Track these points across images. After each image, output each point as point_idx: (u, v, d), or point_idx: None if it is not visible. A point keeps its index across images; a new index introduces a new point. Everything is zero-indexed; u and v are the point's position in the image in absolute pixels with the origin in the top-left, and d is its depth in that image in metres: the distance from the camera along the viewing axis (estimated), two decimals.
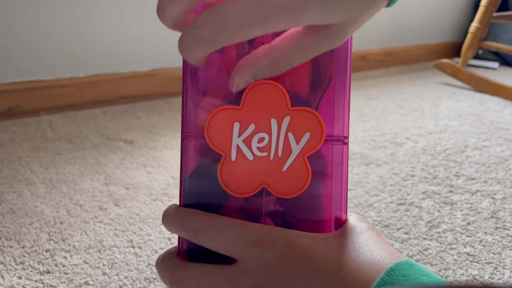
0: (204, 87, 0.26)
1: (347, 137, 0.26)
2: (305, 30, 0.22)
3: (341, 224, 0.26)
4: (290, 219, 0.26)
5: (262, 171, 0.25)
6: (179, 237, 0.27)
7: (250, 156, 0.25)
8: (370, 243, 0.24)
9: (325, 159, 0.26)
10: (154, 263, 0.46)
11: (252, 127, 0.25)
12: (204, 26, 0.20)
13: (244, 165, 0.25)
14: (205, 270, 0.25)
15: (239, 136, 0.25)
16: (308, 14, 0.19)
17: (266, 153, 0.25)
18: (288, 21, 0.20)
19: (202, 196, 0.26)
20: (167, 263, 0.26)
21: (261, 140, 0.25)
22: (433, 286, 0.18)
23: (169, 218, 0.26)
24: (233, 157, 0.25)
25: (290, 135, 0.25)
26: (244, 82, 0.24)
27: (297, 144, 0.25)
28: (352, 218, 0.27)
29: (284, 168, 0.25)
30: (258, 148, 0.25)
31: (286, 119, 0.25)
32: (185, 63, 0.26)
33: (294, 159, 0.25)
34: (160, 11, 0.21)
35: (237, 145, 0.25)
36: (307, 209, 0.26)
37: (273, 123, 0.25)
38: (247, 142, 0.25)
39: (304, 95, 0.26)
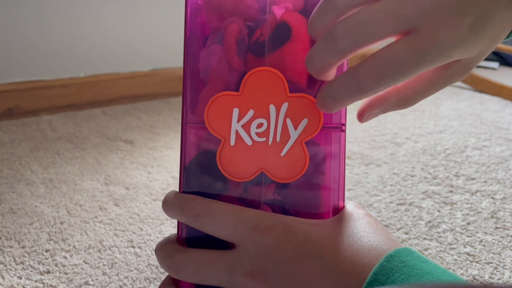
0: (205, 77, 0.26)
1: (344, 124, 0.26)
2: (435, 68, 0.23)
3: (338, 211, 0.27)
4: (289, 208, 0.27)
5: (260, 156, 0.26)
6: (178, 223, 0.27)
7: (248, 141, 0.26)
8: (367, 229, 0.24)
9: (323, 146, 0.26)
10: (155, 263, 0.46)
11: (251, 112, 0.25)
12: (366, 75, 0.21)
13: (242, 150, 0.26)
14: (203, 255, 0.25)
15: (238, 122, 0.25)
16: (457, 52, 0.21)
17: (264, 138, 0.26)
18: (440, 62, 0.21)
19: (201, 184, 0.27)
20: (166, 249, 0.26)
21: (259, 125, 0.25)
22: (432, 286, 0.18)
23: (169, 203, 0.27)
24: (232, 142, 0.26)
25: (288, 120, 0.25)
26: (373, 115, 0.26)
27: (295, 129, 0.25)
28: (350, 205, 0.27)
29: (282, 153, 0.26)
30: (256, 133, 0.26)
31: (285, 105, 0.25)
32: (186, 53, 0.26)
33: (292, 145, 0.25)
34: (310, 62, 0.23)
35: (236, 130, 0.26)
36: (305, 197, 0.26)
37: (272, 109, 0.25)
38: (246, 127, 0.26)
39: (303, 85, 0.26)
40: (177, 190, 0.28)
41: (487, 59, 1.77)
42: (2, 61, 0.90)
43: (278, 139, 0.25)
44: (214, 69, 0.26)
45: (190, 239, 0.27)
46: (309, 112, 0.25)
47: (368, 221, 0.25)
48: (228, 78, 0.26)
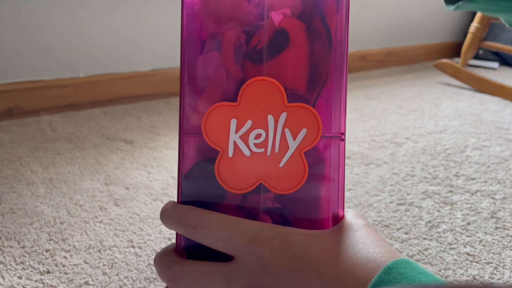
0: (202, 84, 0.26)
1: (344, 134, 0.26)
2: None
3: (338, 220, 0.26)
4: (288, 216, 0.26)
5: (259, 167, 0.25)
6: (177, 234, 0.27)
7: (247, 152, 0.25)
8: (366, 240, 0.24)
9: (322, 156, 0.26)
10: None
11: (249, 123, 0.25)
12: None
13: (241, 161, 0.25)
14: (201, 267, 0.25)
15: (236, 133, 0.25)
16: None
17: (263, 149, 0.25)
18: None
19: (199, 193, 0.27)
20: (165, 260, 0.26)
21: (258, 136, 0.25)
22: (432, 286, 0.18)
23: (167, 214, 0.27)
24: (230, 153, 0.25)
25: (286, 131, 0.25)
26: None
27: (294, 140, 0.25)
28: (349, 215, 0.27)
29: (281, 164, 0.25)
30: (255, 144, 0.25)
31: (283, 115, 0.25)
32: (182, 59, 0.26)
33: (291, 155, 0.25)
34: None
35: (234, 141, 0.25)
36: (304, 206, 0.26)
37: (270, 119, 0.25)
38: (244, 138, 0.25)
39: (302, 92, 0.26)
40: (176, 192, 0.28)
41: (487, 59, 1.77)
42: (2, 61, 0.90)
43: (276, 150, 0.25)
44: (211, 77, 0.26)
45: (188, 250, 0.27)
46: (308, 122, 0.25)
47: (367, 232, 0.25)
48: (226, 85, 0.26)
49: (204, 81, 0.26)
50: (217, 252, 0.25)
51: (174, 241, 0.51)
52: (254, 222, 0.25)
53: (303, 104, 0.25)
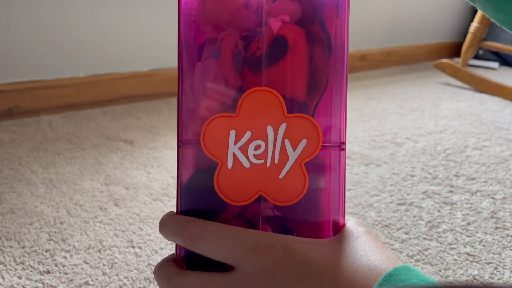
0: (200, 93, 0.26)
1: (344, 143, 0.26)
2: None
3: (339, 228, 0.26)
4: (288, 224, 0.26)
5: (258, 178, 0.25)
6: (176, 244, 0.27)
7: (246, 164, 0.25)
8: (367, 248, 0.24)
9: (323, 165, 0.26)
10: (154, 263, 0.46)
11: (248, 134, 0.25)
12: None
13: (240, 172, 0.25)
14: (202, 278, 0.25)
15: (235, 144, 0.25)
16: None
17: (262, 161, 0.25)
18: None
19: (199, 203, 0.26)
20: (165, 271, 0.26)
21: (257, 147, 0.25)
22: (432, 286, 0.18)
23: (166, 226, 0.26)
24: (230, 165, 0.25)
25: (286, 142, 0.25)
26: None
27: (294, 151, 0.25)
28: (350, 223, 0.27)
29: (281, 176, 0.25)
30: (254, 155, 0.25)
31: (283, 126, 0.25)
32: (180, 68, 0.26)
33: (291, 166, 0.25)
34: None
35: (234, 152, 0.25)
36: (305, 214, 0.26)
37: (269, 130, 0.25)
38: (244, 149, 0.25)
39: (302, 99, 0.25)
40: (176, 202, 0.27)
41: (487, 59, 1.77)
42: (2, 61, 0.90)
43: (276, 161, 0.25)
44: (210, 85, 0.25)
45: (188, 260, 0.27)
46: (308, 132, 0.25)
47: (367, 240, 0.25)
48: (224, 94, 0.25)
49: (203, 90, 0.26)
50: (217, 262, 0.25)
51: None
52: (254, 231, 0.25)
53: (302, 114, 0.25)
